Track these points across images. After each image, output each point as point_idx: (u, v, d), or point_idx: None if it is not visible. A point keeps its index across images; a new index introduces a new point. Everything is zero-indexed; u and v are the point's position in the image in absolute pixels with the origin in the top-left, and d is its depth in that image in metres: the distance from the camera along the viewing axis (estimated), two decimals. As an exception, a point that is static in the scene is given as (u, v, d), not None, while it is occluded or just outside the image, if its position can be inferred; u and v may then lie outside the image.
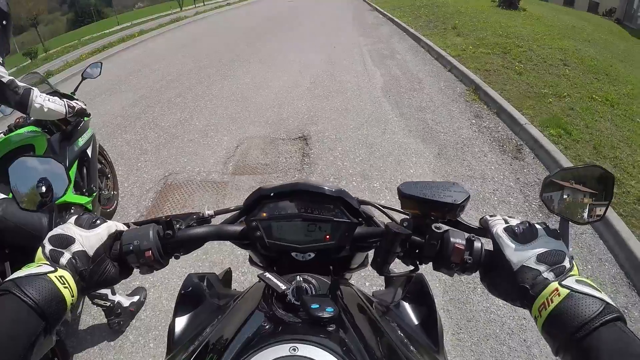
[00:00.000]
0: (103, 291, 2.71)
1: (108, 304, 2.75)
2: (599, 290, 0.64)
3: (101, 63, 3.59)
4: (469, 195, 0.85)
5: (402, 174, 4.51)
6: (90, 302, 2.73)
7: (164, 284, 3.23)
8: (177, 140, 5.79)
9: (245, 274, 3.23)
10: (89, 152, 3.35)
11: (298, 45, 11.90)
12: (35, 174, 0.90)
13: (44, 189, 0.89)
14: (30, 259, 0.76)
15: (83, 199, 3.08)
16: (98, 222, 0.84)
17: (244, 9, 25.92)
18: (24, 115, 3.03)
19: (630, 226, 3.48)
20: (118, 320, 2.83)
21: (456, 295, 3.00)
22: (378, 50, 10.25)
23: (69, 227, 0.80)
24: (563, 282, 0.66)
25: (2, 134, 2.88)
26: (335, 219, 0.90)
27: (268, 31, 15.11)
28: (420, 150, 5.02)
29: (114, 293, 2.79)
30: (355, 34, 12.85)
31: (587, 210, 0.78)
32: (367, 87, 7.48)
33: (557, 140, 4.91)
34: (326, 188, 0.92)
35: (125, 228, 0.91)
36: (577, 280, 0.66)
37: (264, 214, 0.91)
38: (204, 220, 0.98)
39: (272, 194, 0.93)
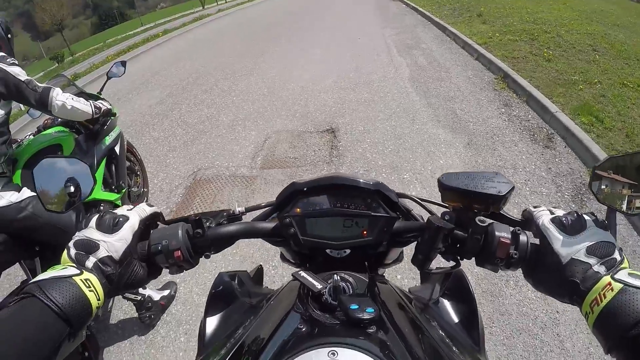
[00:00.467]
0: None
1: (139, 297, 2.80)
2: None
3: (125, 62, 3.64)
4: (514, 186, 0.81)
5: (432, 164, 4.45)
6: (121, 296, 2.77)
7: (194, 278, 3.26)
8: (204, 136, 5.86)
9: (276, 267, 3.24)
10: (116, 149, 3.39)
11: (321, 38, 11.90)
12: (61, 175, 0.90)
13: (72, 188, 0.89)
14: (60, 255, 0.75)
15: (112, 196, 3.14)
16: (120, 221, 0.81)
17: (265, 5, 25.97)
18: (52, 117, 3.09)
19: (667, 215, 3.38)
20: (149, 314, 2.88)
21: (489, 288, 2.96)
22: (403, 41, 10.13)
23: (91, 232, 0.78)
24: (615, 276, 0.63)
25: (31, 136, 2.93)
26: (373, 214, 0.88)
27: (290, 25, 15.15)
28: (449, 140, 4.95)
29: (144, 287, 2.83)
30: (379, 24, 12.72)
31: (626, 200, 0.75)
32: (393, 77, 7.41)
33: (588, 128, 4.77)
34: (363, 181, 0.89)
35: (151, 211, 0.89)
36: (629, 274, 0.63)
37: (298, 210, 0.90)
38: (234, 217, 0.97)
39: (305, 189, 0.90)
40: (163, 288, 3.11)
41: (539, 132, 5.02)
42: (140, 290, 2.79)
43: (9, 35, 2.61)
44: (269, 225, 0.93)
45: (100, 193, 3.02)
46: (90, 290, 0.68)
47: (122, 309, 3.08)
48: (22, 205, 2.23)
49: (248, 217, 0.97)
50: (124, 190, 3.34)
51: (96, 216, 0.81)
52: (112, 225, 0.80)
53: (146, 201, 4.05)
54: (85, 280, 0.69)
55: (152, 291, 2.95)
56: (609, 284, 0.62)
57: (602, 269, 0.65)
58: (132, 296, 2.77)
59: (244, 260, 3.36)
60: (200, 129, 6.13)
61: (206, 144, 5.58)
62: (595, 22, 9.82)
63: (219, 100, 7.37)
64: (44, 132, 2.92)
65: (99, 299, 0.70)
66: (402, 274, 3.03)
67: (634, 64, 7.06)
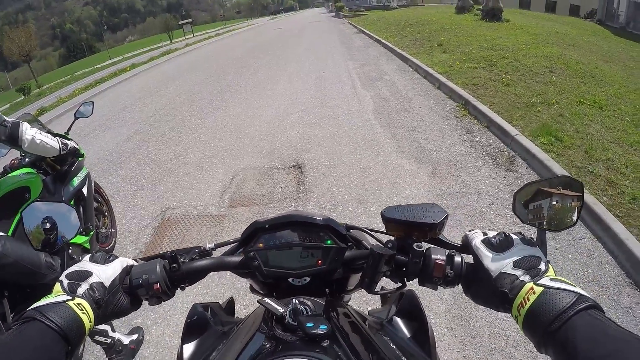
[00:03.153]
0: (103, 327, 2.70)
1: (109, 340, 2.72)
2: (573, 285, 0.69)
3: (93, 102, 3.65)
4: (447, 214, 0.94)
5: (397, 195, 4.51)
6: (91, 340, 2.69)
7: (165, 321, 3.22)
8: (172, 175, 5.84)
9: (248, 306, 3.22)
10: (84, 191, 3.36)
11: (287, 72, 12.11)
12: (48, 218, 0.99)
13: (48, 225, 0.97)
14: (29, 297, 0.80)
15: (80, 239, 3.09)
16: (111, 258, 0.93)
17: (232, 39, 26.30)
18: (19, 157, 3.07)
19: (628, 226, 3.49)
20: (119, 358, 2.80)
21: (459, 313, 3.00)
22: (366, 73, 10.41)
23: (84, 264, 0.88)
24: (538, 282, 0.71)
25: None
26: (324, 245, 0.97)
27: (256, 60, 15.37)
28: (413, 170, 5.04)
29: (113, 330, 2.79)
30: (343, 57, 13.05)
31: (563, 216, 0.84)
32: (357, 110, 7.57)
33: (548, 148, 4.93)
34: (315, 217, 0.99)
35: (134, 262, 0.98)
36: (551, 279, 0.71)
37: (261, 244, 0.99)
38: (205, 253, 1.06)
39: (267, 226, 1.00)
40: (131, 332, 3.04)
41: (500, 156, 5.17)
42: (110, 332, 2.74)
43: None
44: (236, 259, 1.02)
45: None
46: (83, 313, 0.75)
47: (94, 355, 3.00)
48: None
49: (217, 253, 1.07)
50: (92, 233, 3.29)
51: (89, 254, 0.92)
52: (104, 259, 0.91)
53: (114, 242, 4.02)
54: (78, 304, 0.76)
55: (121, 335, 2.88)
56: (532, 288, 0.71)
57: (527, 278, 0.75)
58: (102, 339, 2.69)
59: (215, 298, 3.34)
60: (168, 168, 6.11)
61: (174, 183, 5.56)
62: (551, 44, 10.22)
63: (187, 138, 7.38)
64: (11, 174, 2.88)
65: (90, 321, 0.77)
66: (373, 306, 3.06)
67: (589, 81, 7.38)
